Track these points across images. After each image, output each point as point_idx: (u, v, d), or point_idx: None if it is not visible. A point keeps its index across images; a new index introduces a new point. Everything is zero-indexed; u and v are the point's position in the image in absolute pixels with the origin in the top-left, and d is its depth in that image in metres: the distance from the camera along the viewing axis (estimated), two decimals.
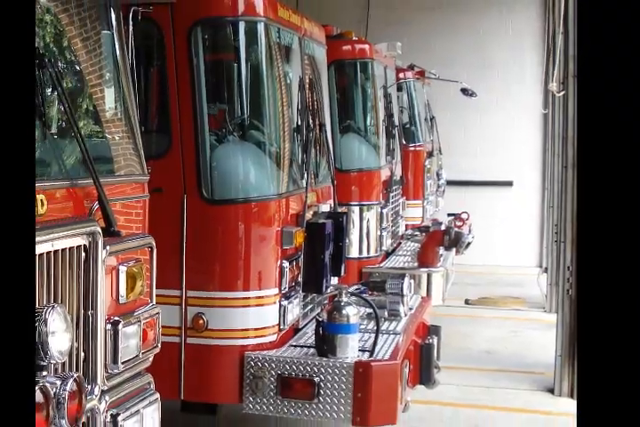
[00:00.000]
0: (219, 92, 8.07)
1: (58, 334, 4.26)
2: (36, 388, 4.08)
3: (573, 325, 11.24)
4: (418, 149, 17.49)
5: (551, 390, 11.61)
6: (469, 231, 15.58)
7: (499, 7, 22.26)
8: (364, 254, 12.61)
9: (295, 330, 8.74)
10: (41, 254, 4.42)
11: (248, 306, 7.85)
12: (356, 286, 9.89)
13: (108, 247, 4.98)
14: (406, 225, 16.17)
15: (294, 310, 8.55)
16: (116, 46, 5.63)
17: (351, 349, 7.93)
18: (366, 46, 13.22)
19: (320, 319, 8.20)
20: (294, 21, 9.09)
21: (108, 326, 5.10)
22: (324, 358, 7.83)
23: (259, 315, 7.94)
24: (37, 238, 4.33)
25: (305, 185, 8.89)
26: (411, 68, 17.82)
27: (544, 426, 10.36)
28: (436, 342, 9.48)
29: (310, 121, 9.30)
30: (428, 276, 12.92)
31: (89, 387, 4.83)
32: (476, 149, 22.10)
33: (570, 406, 10.06)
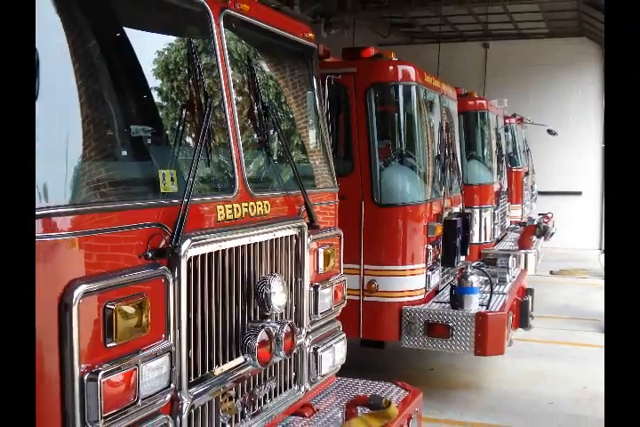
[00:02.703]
0: (385, 132, 7.98)
1: (277, 294, 4.15)
2: (263, 330, 3.98)
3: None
4: (518, 170, 17.03)
5: None
6: (553, 225, 15.43)
7: (572, 73, 21.71)
8: (482, 241, 12.39)
9: (436, 291, 8.60)
10: (266, 241, 4.31)
11: (405, 275, 7.79)
12: (476, 262, 9.73)
13: (311, 236, 4.84)
14: (510, 221, 15.77)
15: (435, 278, 8.46)
16: (316, 101, 5.49)
17: (474, 304, 7.82)
18: (484, 102, 13.05)
19: (453, 284, 8.12)
20: (436, 84, 8.97)
21: (311, 289, 4.95)
22: (456, 310, 7.73)
23: (412, 281, 7.85)
24: (264, 230, 4.28)
25: (443, 194, 8.81)
26: (513, 115, 17.43)
27: (600, 356, 9.75)
28: (530, 300, 9.30)
29: (446, 151, 9.18)
30: (526, 255, 12.79)
31: (298, 329, 4.70)
32: (557, 169, 21.46)
33: None
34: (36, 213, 2.77)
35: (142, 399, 3.20)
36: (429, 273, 8.13)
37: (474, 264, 8.71)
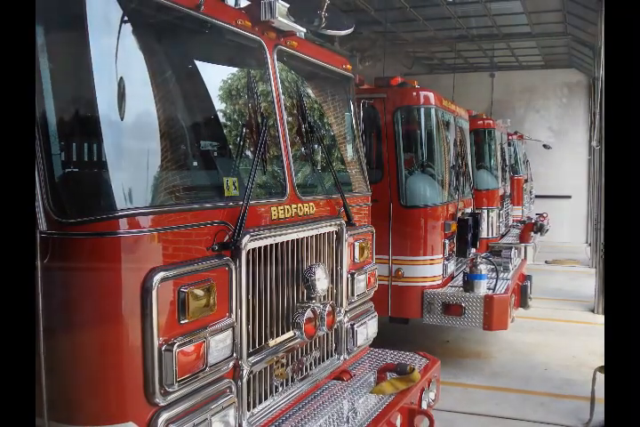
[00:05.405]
0: (409, 147, 7.85)
1: (321, 280, 4.05)
2: (309, 309, 3.90)
3: (604, 274, 10.73)
4: (519, 177, 16.66)
5: (592, 310, 11.22)
6: (548, 223, 15.08)
7: (563, 98, 21.40)
8: (490, 236, 12.14)
9: (451, 277, 8.44)
10: (312, 236, 4.21)
11: (426, 264, 7.68)
12: (485, 253, 9.58)
13: (348, 232, 4.73)
14: (512, 220, 15.45)
15: (451, 266, 8.31)
16: (353, 121, 5.40)
17: (482, 288, 7.69)
18: (491, 121, 12.81)
19: (465, 271, 7.96)
20: (451, 107, 8.81)
21: (349, 275, 4.84)
22: (468, 293, 7.61)
23: (431, 269, 7.74)
24: (310, 227, 4.17)
25: (457, 197, 8.67)
26: (515, 133, 17.16)
27: (586, 330, 9.88)
28: (529, 284, 9.14)
29: (459, 162, 9.02)
30: (525, 248, 12.56)
31: (338, 309, 4.60)
32: (551, 177, 21.05)
33: (602, 319, 9.57)
34: (122, 213, 2.74)
35: (210, 366, 3.16)
36: (446, 262, 8.00)
37: (482, 255, 8.53)
